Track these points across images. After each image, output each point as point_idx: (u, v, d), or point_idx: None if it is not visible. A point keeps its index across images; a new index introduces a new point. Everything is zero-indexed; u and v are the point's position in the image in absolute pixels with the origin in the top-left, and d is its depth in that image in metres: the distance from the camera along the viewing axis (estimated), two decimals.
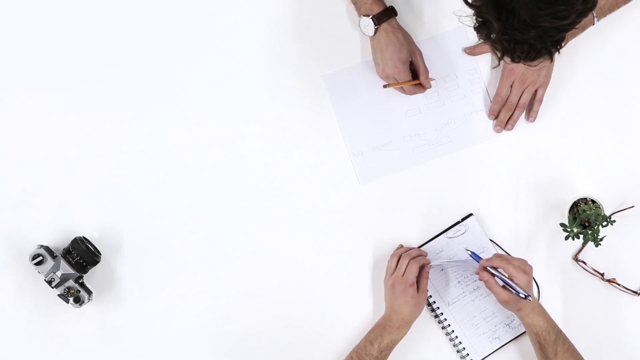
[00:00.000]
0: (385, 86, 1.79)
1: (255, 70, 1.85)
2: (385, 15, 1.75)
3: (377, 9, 1.74)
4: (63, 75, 1.85)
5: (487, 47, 1.82)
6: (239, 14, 1.86)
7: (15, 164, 1.84)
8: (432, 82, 1.82)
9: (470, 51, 1.84)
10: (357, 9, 1.77)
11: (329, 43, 1.85)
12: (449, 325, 1.80)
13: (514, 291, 1.67)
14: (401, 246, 1.81)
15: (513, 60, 1.40)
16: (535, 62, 1.41)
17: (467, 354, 1.80)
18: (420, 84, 1.80)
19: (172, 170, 1.84)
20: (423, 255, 1.78)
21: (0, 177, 1.84)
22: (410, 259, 1.75)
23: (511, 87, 1.80)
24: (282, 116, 1.85)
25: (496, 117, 1.84)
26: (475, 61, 1.85)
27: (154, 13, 1.86)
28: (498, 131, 1.84)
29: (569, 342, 1.71)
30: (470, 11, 1.39)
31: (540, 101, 1.81)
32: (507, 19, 1.33)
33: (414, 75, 1.80)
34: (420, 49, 1.83)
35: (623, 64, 1.84)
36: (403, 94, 1.82)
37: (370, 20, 1.74)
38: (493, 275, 1.70)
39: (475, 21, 1.39)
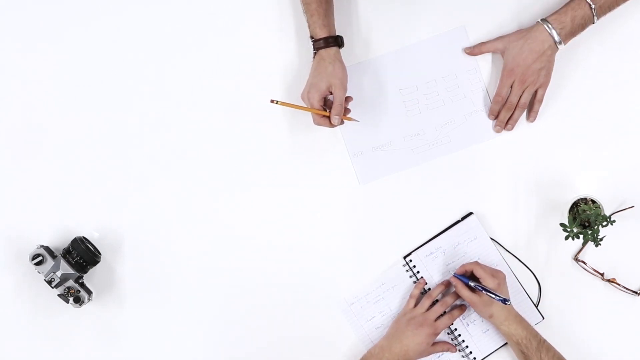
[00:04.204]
0: (272, 101, 1.74)
1: (255, 70, 1.85)
2: (327, 44, 1.74)
3: (320, 34, 1.74)
4: (63, 75, 1.85)
5: (487, 47, 1.82)
6: (239, 14, 1.86)
7: (15, 164, 1.84)
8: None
9: (470, 51, 1.84)
10: (308, 27, 1.77)
11: None
12: (452, 323, 1.80)
13: (490, 295, 1.69)
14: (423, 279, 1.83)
15: None
16: None
17: (470, 352, 1.80)
18: (329, 118, 1.75)
19: (171, 170, 1.84)
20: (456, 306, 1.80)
21: (0, 177, 1.84)
22: (438, 303, 1.78)
23: (511, 87, 1.80)
24: (282, 116, 1.85)
25: (496, 117, 1.84)
26: (475, 61, 1.85)
27: (153, 13, 1.86)
28: (498, 131, 1.84)
29: (554, 349, 1.71)
30: None
31: (541, 101, 1.81)
32: None
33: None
34: (421, 49, 1.83)
35: (623, 64, 1.84)
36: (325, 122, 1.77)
37: (312, 43, 1.75)
38: (466, 284, 1.74)
39: None
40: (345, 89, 1.74)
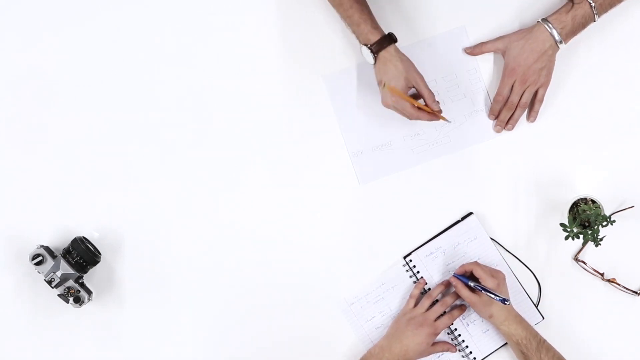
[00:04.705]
0: (380, 82, 1.73)
1: (255, 70, 1.85)
2: (383, 44, 1.73)
3: (373, 38, 1.73)
4: (63, 75, 1.85)
5: (487, 47, 1.82)
6: (239, 15, 1.86)
7: (15, 164, 1.84)
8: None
9: (471, 51, 1.84)
10: (357, 37, 1.76)
11: (329, 43, 1.85)
12: (452, 323, 1.80)
13: (490, 295, 1.70)
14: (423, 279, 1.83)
15: None
16: None
17: (470, 352, 1.80)
18: (429, 111, 1.75)
19: (171, 170, 1.84)
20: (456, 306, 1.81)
21: (0, 177, 1.84)
22: (438, 303, 1.79)
23: (512, 87, 1.80)
24: (282, 116, 1.85)
25: (496, 117, 1.84)
26: (475, 61, 1.85)
27: (153, 13, 1.86)
28: (498, 131, 1.84)
29: (554, 349, 1.71)
30: None
31: (541, 101, 1.81)
32: None
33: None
34: (421, 49, 1.83)
35: (623, 63, 1.84)
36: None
37: (369, 49, 1.74)
38: (466, 284, 1.74)
39: None
40: (423, 77, 1.75)
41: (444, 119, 1.78)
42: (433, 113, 1.76)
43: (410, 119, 1.75)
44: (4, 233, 1.83)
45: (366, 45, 1.74)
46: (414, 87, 1.75)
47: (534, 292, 1.82)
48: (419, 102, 1.75)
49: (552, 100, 1.83)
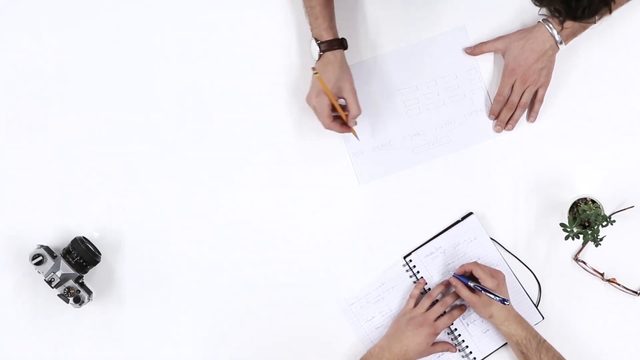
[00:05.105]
0: (313, 69, 1.71)
1: (255, 70, 1.85)
2: (332, 46, 1.73)
3: (326, 37, 1.73)
4: (63, 74, 1.85)
5: (487, 47, 1.82)
6: (239, 15, 1.86)
7: (15, 164, 1.84)
8: (358, 131, 1.79)
9: (471, 51, 1.84)
10: (311, 29, 1.76)
11: None
12: (452, 323, 1.80)
13: (489, 295, 1.70)
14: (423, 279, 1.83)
15: (575, 20, 1.38)
16: (594, 18, 1.40)
17: (470, 352, 1.80)
18: (339, 122, 1.76)
19: (171, 170, 1.84)
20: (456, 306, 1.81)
21: (0, 177, 1.84)
22: (438, 303, 1.78)
23: (512, 87, 1.80)
24: (282, 116, 1.85)
25: (497, 117, 1.84)
26: (475, 61, 1.85)
27: (153, 13, 1.86)
28: (498, 131, 1.84)
29: (554, 349, 1.71)
30: None
31: (541, 101, 1.82)
32: None
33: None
34: (421, 49, 1.83)
35: (623, 63, 1.83)
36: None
37: (317, 45, 1.73)
38: (466, 284, 1.74)
39: None
40: (356, 92, 1.74)
41: (355, 134, 1.79)
42: (346, 126, 1.76)
43: (323, 126, 1.75)
44: (4, 233, 1.83)
45: (316, 40, 1.73)
46: (343, 98, 1.74)
47: (534, 292, 1.82)
48: (341, 112, 1.74)
49: (552, 100, 1.83)
